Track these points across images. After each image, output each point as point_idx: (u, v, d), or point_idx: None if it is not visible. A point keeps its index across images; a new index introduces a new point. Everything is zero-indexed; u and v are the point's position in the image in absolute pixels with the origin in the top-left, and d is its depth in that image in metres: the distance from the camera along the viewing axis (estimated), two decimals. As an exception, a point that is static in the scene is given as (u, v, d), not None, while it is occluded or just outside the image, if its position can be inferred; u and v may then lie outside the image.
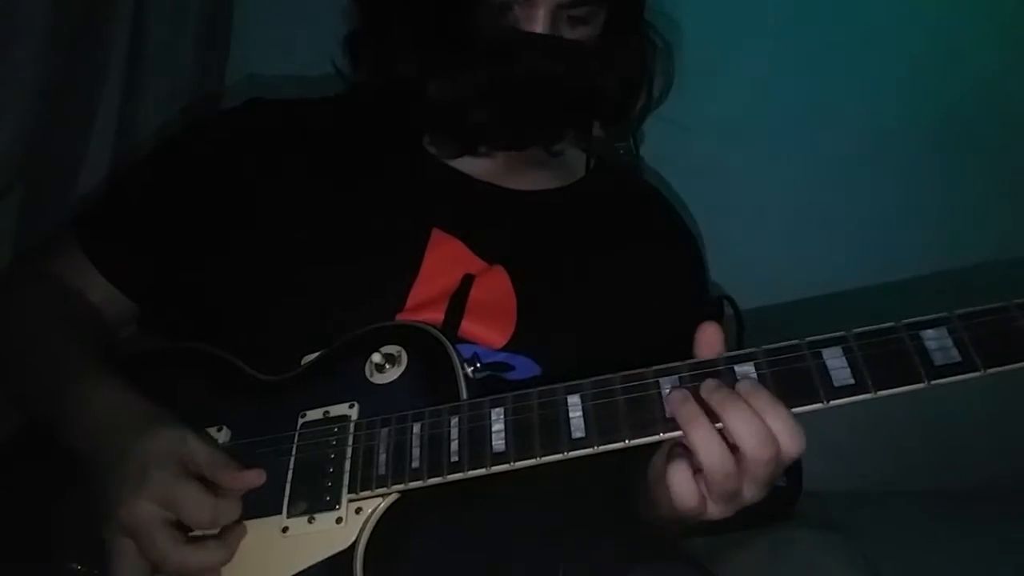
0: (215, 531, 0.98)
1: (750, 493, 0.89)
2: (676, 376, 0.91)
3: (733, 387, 0.87)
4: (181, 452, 0.99)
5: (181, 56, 1.71)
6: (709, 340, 0.93)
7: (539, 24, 1.20)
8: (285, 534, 0.98)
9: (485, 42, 1.21)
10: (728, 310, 1.40)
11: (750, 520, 1.40)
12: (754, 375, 0.88)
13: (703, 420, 0.86)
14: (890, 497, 1.80)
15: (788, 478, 1.46)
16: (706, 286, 1.46)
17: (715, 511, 0.91)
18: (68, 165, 1.53)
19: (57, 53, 1.41)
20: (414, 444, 0.98)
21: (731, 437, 0.86)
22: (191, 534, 0.97)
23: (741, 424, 0.85)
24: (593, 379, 0.94)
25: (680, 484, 0.88)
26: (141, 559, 0.95)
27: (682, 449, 0.90)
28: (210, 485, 0.98)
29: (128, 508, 0.94)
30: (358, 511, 0.98)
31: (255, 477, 1.01)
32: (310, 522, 0.98)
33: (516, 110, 1.24)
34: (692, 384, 0.90)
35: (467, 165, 1.32)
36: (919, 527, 1.66)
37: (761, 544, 1.36)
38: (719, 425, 0.86)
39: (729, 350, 0.93)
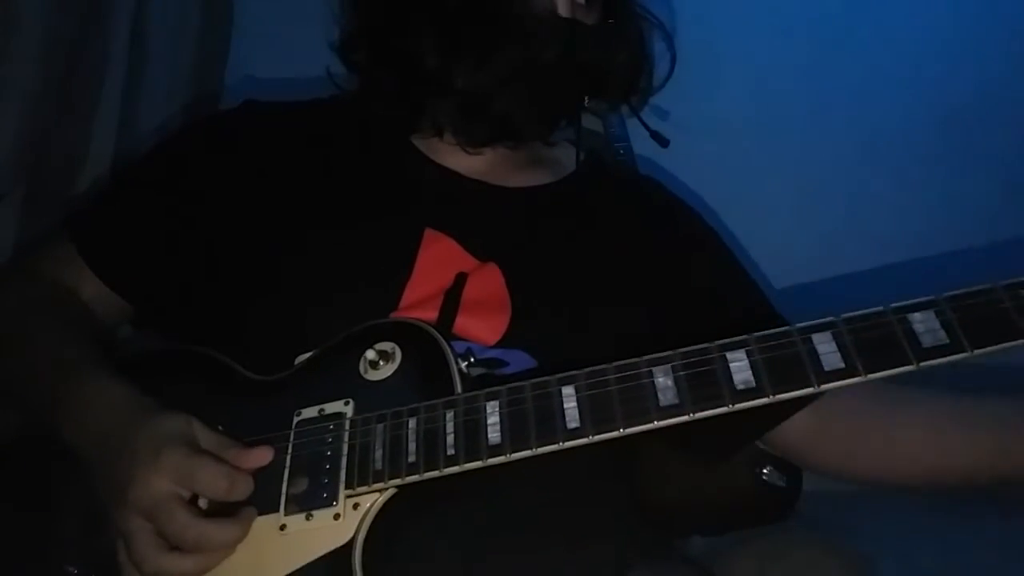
0: (229, 500, 0.98)
1: None
2: (668, 365, 0.91)
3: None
4: (187, 433, 1.00)
5: (181, 56, 1.72)
6: None
7: (561, 7, 1.22)
8: (283, 532, 0.98)
9: (517, 25, 1.21)
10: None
11: (750, 520, 1.40)
12: (745, 361, 0.89)
13: None
14: (890, 497, 1.79)
15: (788, 478, 1.45)
16: (731, 257, 1.41)
17: None
18: (68, 165, 1.53)
19: (57, 53, 1.41)
20: (410, 439, 0.98)
21: None
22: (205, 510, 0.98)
23: None
24: (587, 370, 0.94)
25: None
26: (157, 537, 0.94)
27: None
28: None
29: (143, 486, 0.94)
30: (355, 507, 0.98)
31: (262, 454, 1.02)
32: (308, 519, 0.98)
33: (543, 97, 1.25)
34: (684, 373, 0.90)
35: (458, 163, 1.31)
36: (919, 527, 1.65)
37: (761, 544, 1.35)
38: None
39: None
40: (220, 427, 1.06)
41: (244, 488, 0.99)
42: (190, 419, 1.01)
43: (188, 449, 0.97)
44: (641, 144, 1.56)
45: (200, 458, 0.97)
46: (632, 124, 1.49)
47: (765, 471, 1.35)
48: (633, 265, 1.30)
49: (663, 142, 1.45)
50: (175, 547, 0.95)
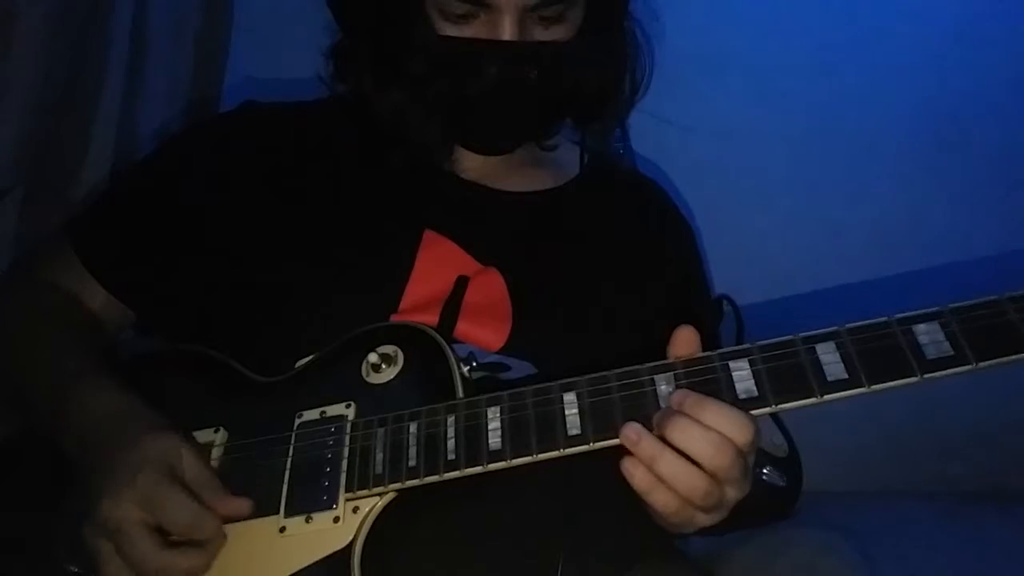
0: (190, 537, 0.97)
1: (733, 493, 0.90)
2: (671, 373, 0.91)
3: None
4: (171, 460, 0.99)
5: (181, 57, 1.71)
6: (684, 344, 0.93)
7: (506, 31, 1.17)
8: (282, 534, 0.99)
9: (443, 55, 1.19)
10: (727, 308, 1.39)
11: (750, 520, 1.40)
12: (748, 371, 0.89)
13: (666, 453, 0.86)
14: (890, 497, 1.80)
15: (788, 478, 1.45)
16: (704, 282, 1.45)
17: (706, 519, 0.92)
18: (68, 165, 1.53)
19: (57, 53, 1.41)
20: (411, 443, 0.98)
21: (687, 454, 0.86)
22: (171, 539, 0.97)
23: (689, 440, 0.85)
24: (589, 377, 0.94)
25: (662, 504, 0.89)
26: (123, 560, 0.95)
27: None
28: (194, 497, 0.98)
29: (108, 508, 0.94)
30: (355, 510, 0.98)
31: (242, 507, 1.00)
32: (307, 522, 0.98)
33: (478, 121, 1.24)
34: (686, 381, 0.90)
35: (455, 166, 1.31)
36: (919, 527, 1.66)
37: (761, 544, 1.35)
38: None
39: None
40: (221, 428, 1.07)
41: (209, 530, 0.98)
42: (179, 446, 1.00)
43: (164, 477, 0.96)
44: (640, 143, 1.56)
45: (171, 489, 0.96)
46: (632, 123, 1.48)
47: (765, 471, 1.34)
48: (630, 275, 1.30)
49: (620, 160, 1.45)
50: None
